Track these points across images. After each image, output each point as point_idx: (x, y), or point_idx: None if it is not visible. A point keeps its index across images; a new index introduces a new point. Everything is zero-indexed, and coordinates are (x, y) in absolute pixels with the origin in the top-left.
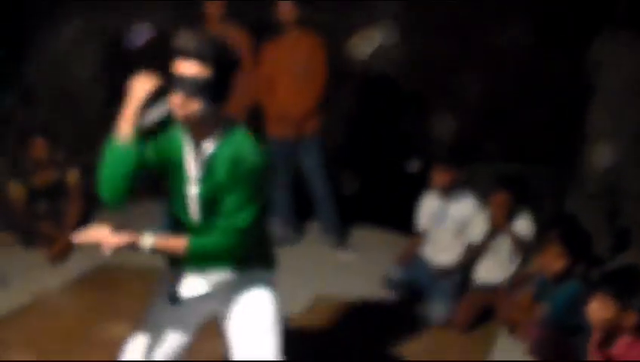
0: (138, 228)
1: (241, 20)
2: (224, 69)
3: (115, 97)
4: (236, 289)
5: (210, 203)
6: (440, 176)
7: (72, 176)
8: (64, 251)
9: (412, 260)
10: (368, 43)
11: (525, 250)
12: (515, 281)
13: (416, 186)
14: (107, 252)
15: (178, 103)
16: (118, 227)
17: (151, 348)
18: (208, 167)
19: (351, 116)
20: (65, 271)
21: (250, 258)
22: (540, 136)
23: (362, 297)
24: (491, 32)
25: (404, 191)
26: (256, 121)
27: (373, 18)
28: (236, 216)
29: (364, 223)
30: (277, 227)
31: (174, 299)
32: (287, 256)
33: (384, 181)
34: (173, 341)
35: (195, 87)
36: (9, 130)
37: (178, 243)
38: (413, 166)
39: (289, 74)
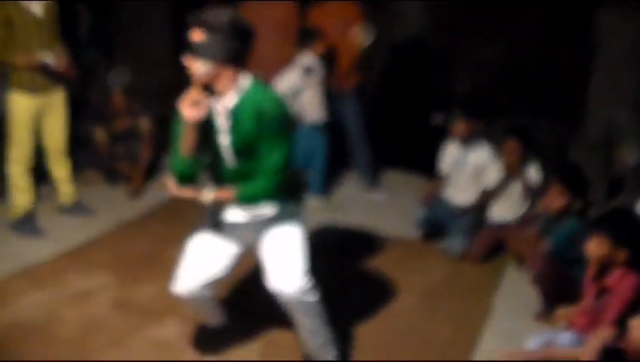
0: None
1: None
2: (223, 35)
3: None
4: (271, 221)
5: (242, 150)
6: (459, 127)
7: (145, 123)
8: (138, 187)
9: (434, 200)
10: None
11: (534, 193)
12: (524, 220)
13: (440, 135)
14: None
15: (188, 64)
16: None
17: (196, 271)
18: (234, 119)
19: (384, 73)
20: (141, 204)
21: (283, 194)
22: (551, 92)
23: (391, 231)
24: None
25: (430, 139)
26: None
27: None
28: (271, 160)
29: (394, 167)
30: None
31: (217, 224)
32: (326, 196)
33: (412, 130)
34: (215, 266)
35: (197, 50)
36: (94, 82)
37: (229, 193)
38: (438, 118)
39: (330, 37)
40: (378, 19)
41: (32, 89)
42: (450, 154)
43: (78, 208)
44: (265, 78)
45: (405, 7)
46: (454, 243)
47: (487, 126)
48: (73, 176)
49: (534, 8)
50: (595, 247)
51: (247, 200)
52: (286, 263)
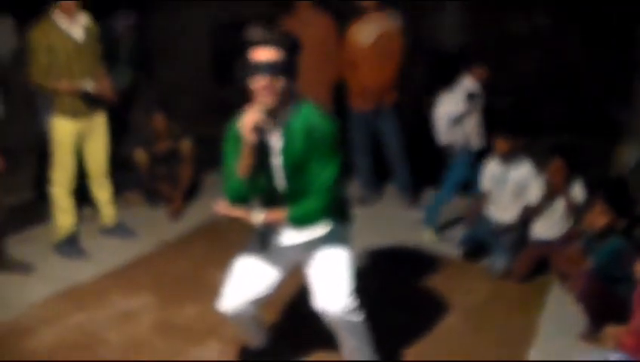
0: None
1: (327, 6)
2: (291, 51)
3: (222, 79)
4: (320, 241)
5: (293, 170)
6: (501, 144)
7: (186, 145)
8: (179, 209)
9: (477, 218)
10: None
11: (577, 211)
12: (567, 237)
13: (480, 152)
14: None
15: (263, 86)
16: None
17: (242, 290)
18: (286, 138)
19: (422, 89)
20: (181, 225)
21: (333, 214)
22: (591, 110)
23: (432, 250)
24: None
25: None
26: (340, 95)
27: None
28: (322, 178)
29: (434, 184)
30: (359, 188)
31: (265, 246)
32: (367, 214)
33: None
34: (260, 285)
35: (276, 69)
36: (135, 104)
37: (280, 215)
38: None
39: (369, 53)
40: (417, 33)
41: (74, 114)
42: (492, 172)
43: (119, 229)
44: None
45: (444, 21)
46: (497, 261)
47: (529, 142)
48: (114, 197)
49: (575, 22)
50: None
51: (299, 221)
52: (332, 283)
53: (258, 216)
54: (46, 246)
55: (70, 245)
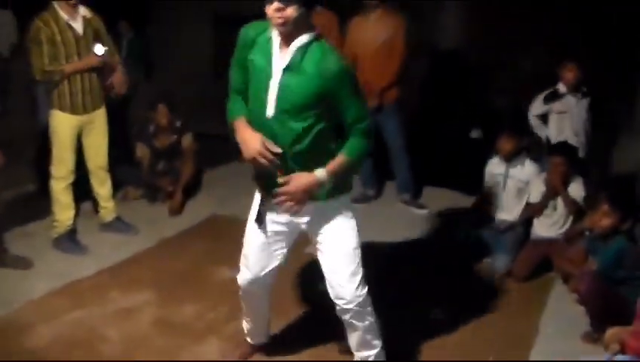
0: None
1: (330, 2)
2: None
3: (221, 76)
4: (324, 212)
5: (288, 94)
6: (505, 144)
7: (187, 140)
8: (180, 205)
9: (479, 217)
10: None
11: (578, 209)
12: (569, 237)
13: (479, 150)
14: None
15: (275, 10)
16: None
17: (252, 260)
18: (292, 61)
19: (425, 87)
20: (181, 221)
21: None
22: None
23: (433, 248)
24: (548, 16)
25: (469, 154)
26: None
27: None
28: (360, 116)
29: (435, 182)
30: (360, 186)
31: (260, 221)
32: (367, 212)
33: (452, 145)
34: (273, 254)
35: None
36: (137, 99)
37: (342, 160)
38: (477, 133)
39: (372, 50)
40: (419, 32)
41: (74, 109)
42: (493, 171)
43: (119, 225)
44: None
45: (446, 20)
46: (498, 260)
47: (530, 141)
48: (114, 192)
49: (576, 20)
50: None
51: (361, 159)
52: (344, 272)
53: (321, 173)
54: (45, 242)
55: (69, 240)
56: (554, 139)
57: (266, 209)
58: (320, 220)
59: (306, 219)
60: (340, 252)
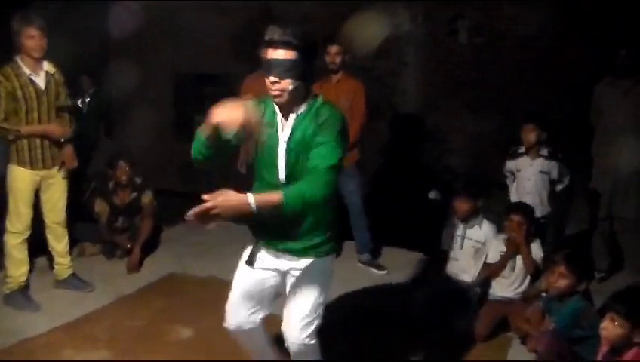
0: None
1: None
2: (306, 53)
3: (181, 133)
4: (303, 270)
5: (296, 159)
6: (462, 206)
7: (147, 198)
8: (138, 262)
9: (437, 277)
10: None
11: (536, 270)
12: (526, 297)
13: (437, 211)
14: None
15: (273, 83)
16: None
17: (239, 303)
18: (293, 130)
19: (384, 149)
20: (139, 278)
21: (329, 221)
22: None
23: (391, 309)
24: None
25: (427, 215)
26: None
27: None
28: (324, 156)
29: (393, 244)
30: None
31: (251, 263)
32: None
33: (410, 206)
34: (255, 298)
35: (287, 69)
36: (97, 155)
37: (274, 196)
38: (435, 194)
39: None
40: (379, 96)
41: (32, 163)
42: (451, 232)
43: (74, 281)
44: None
45: (405, 85)
46: (457, 320)
47: (486, 201)
48: (70, 248)
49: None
50: (610, 327)
51: (296, 202)
52: (298, 314)
53: (250, 198)
54: None
55: (22, 296)
56: (513, 198)
57: (257, 252)
58: (302, 273)
59: (288, 266)
60: (304, 300)
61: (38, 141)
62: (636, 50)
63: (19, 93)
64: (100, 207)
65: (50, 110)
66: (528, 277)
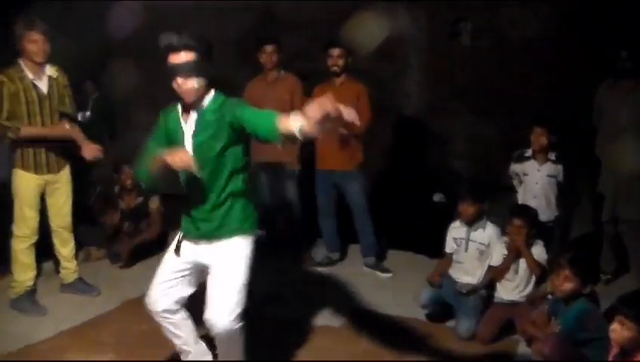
0: None
1: (295, 68)
2: (204, 52)
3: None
4: (224, 250)
5: (202, 152)
6: (467, 209)
7: (154, 203)
8: (127, 253)
9: (441, 280)
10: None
11: (541, 272)
12: (532, 300)
13: (442, 214)
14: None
15: (179, 85)
16: None
17: (160, 286)
18: (198, 125)
19: (388, 151)
20: (145, 282)
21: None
22: None
23: (396, 312)
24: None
25: (431, 218)
26: (310, 156)
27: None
28: (264, 112)
29: (397, 246)
30: (324, 249)
31: (178, 250)
32: (331, 275)
33: (415, 209)
34: (177, 282)
35: (189, 70)
36: (101, 159)
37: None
38: (439, 197)
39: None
40: (382, 98)
41: (37, 168)
42: (455, 235)
43: (80, 285)
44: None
45: (408, 87)
46: (462, 323)
47: (490, 204)
48: (77, 252)
49: (534, 86)
50: (619, 330)
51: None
52: (221, 299)
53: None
54: (2, 302)
55: (28, 301)
56: (520, 200)
57: (183, 241)
58: (218, 255)
59: (205, 252)
60: (224, 284)
61: (43, 144)
62: (637, 52)
63: (21, 96)
64: (109, 212)
65: (53, 115)
66: (533, 280)
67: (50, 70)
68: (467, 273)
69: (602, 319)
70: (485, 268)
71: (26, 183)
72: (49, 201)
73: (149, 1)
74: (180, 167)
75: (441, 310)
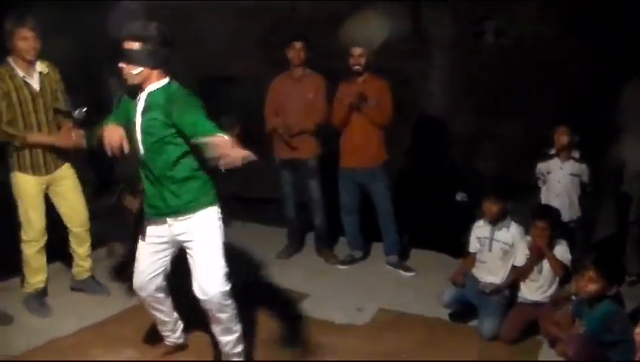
0: None
1: (317, 67)
2: (155, 43)
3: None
4: (193, 224)
5: (149, 134)
6: (491, 208)
7: None
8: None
9: (464, 279)
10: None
11: (565, 272)
12: (556, 300)
13: (464, 213)
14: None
15: (122, 69)
16: None
17: (139, 267)
18: (147, 105)
19: (412, 151)
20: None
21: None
22: None
23: (419, 311)
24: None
25: (454, 217)
26: (334, 154)
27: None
28: (206, 124)
29: (421, 245)
30: (346, 248)
31: (144, 235)
32: (354, 273)
33: (438, 208)
34: (152, 260)
35: (134, 57)
36: (124, 156)
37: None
38: (461, 196)
39: (360, 113)
40: (405, 98)
41: (35, 170)
42: (479, 234)
43: (92, 284)
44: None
45: (431, 87)
46: (485, 323)
47: (512, 204)
48: (99, 247)
49: (558, 87)
50: None
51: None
52: (207, 270)
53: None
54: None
55: (36, 302)
56: (543, 200)
57: (148, 226)
58: (191, 230)
59: (179, 230)
60: (205, 252)
61: (39, 146)
62: None
63: (14, 95)
64: (131, 202)
65: (48, 112)
66: (557, 280)
67: (40, 66)
68: (490, 272)
69: (628, 321)
70: (509, 267)
71: (25, 185)
72: (58, 203)
73: (165, 1)
74: (108, 143)
75: (464, 310)
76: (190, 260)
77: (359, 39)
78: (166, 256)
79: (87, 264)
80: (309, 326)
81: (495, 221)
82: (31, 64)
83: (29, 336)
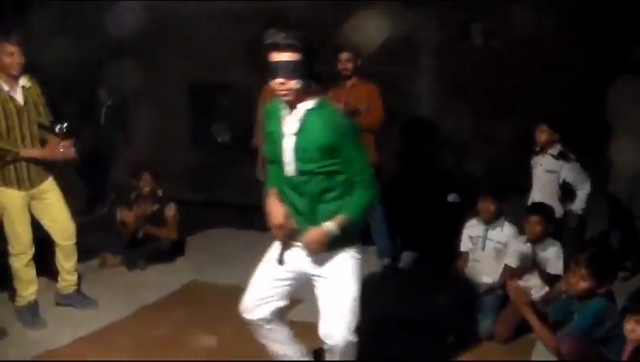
0: None
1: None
2: (308, 53)
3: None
4: (331, 260)
5: (303, 154)
6: (488, 207)
7: (171, 210)
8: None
9: (458, 279)
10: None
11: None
12: (549, 298)
13: (456, 214)
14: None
15: (278, 85)
16: None
17: (255, 294)
18: (302, 125)
19: (402, 153)
20: (161, 288)
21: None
22: None
23: (413, 313)
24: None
25: (446, 218)
26: None
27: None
28: (362, 168)
29: (412, 248)
30: None
31: (281, 261)
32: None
33: (428, 210)
34: (273, 290)
35: (290, 70)
36: (116, 166)
37: (343, 218)
38: (453, 197)
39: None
40: (394, 101)
41: (19, 184)
42: (472, 233)
43: (78, 298)
44: None
45: (420, 89)
46: (481, 323)
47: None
48: (91, 258)
49: (546, 86)
50: (633, 328)
51: (362, 213)
52: (337, 313)
53: (329, 225)
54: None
55: (29, 313)
56: (530, 195)
57: (286, 251)
58: (327, 268)
59: (314, 266)
60: (339, 296)
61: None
62: None
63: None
64: (126, 215)
65: (32, 125)
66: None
67: (23, 80)
68: (485, 272)
69: (619, 316)
70: (502, 267)
71: (10, 199)
72: (44, 217)
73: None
74: (272, 223)
75: (459, 309)
76: (321, 296)
77: (348, 44)
78: (284, 286)
79: (73, 278)
80: (302, 331)
81: (489, 220)
82: (15, 79)
83: (25, 349)
